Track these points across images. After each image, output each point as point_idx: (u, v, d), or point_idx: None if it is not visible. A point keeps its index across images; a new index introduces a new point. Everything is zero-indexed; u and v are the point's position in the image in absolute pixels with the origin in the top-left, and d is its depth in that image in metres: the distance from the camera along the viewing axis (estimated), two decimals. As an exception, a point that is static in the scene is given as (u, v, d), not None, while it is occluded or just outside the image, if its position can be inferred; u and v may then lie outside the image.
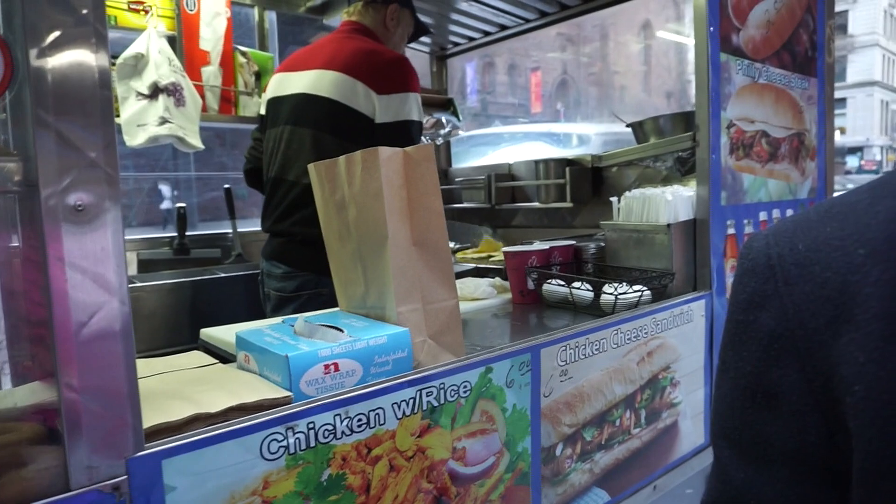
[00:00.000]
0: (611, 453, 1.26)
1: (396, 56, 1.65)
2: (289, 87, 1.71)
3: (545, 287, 1.51)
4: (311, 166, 1.14)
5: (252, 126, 2.02)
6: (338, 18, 2.26)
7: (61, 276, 0.57)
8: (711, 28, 1.47)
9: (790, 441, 0.44)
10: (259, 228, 1.84)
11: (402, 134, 1.62)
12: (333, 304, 1.19)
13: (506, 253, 1.59)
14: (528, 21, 2.50)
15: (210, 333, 1.23)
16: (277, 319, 1.07)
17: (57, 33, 0.57)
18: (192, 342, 1.28)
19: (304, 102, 1.65)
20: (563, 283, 1.48)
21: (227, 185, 2.50)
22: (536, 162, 2.30)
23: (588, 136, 4.73)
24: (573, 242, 1.74)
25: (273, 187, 1.72)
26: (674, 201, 1.51)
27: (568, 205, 2.17)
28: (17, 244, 0.67)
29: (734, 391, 0.48)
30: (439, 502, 0.94)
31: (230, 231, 2.48)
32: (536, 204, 2.34)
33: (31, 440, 0.63)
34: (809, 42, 1.81)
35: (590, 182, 2.19)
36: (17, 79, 0.57)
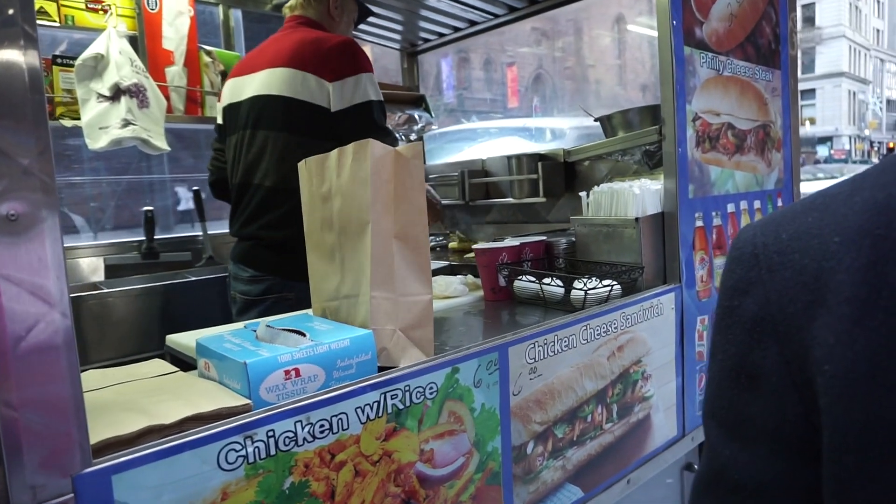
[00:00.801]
0: (583, 449, 1.26)
1: (340, 40, 1.60)
2: (242, 92, 1.68)
3: (516, 283, 1.51)
4: (300, 163, 1.13)
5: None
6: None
7: (-5, 289, 0.55)
8: (674, 22, 1.47)
9: (770, 420, 0.46)
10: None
11: (363, 116, 1.58)
12: (299, 308, 1.17)
13: (476, 250, 1.58)
14: (497, 16, 2.50)
15: (176, 339, 1.20)
16: (240, 325, 1.05)
17: (-18, 35, 0.54)
18: (161, 349, 1.25)
19: (258, 104, 1.63)
20: (533, 279, 1.48)
21: (195, 188, 2.45)
22: (509, 157, 2.29)
23: (562, 130, 4.72)
24: (544, 238, 1.74)
25: (239, 192, 1.70)
26: (641, 195, 1.51)
27: (541, 199, 2.17)
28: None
29: (721, 373, 0.51)
30: (408, 505, 0.93)
31: (201, 234, 2.44)
32: (510, 199, 2.34)
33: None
34: (772, 34, 1.83)
35: (562, 176, 2.18)
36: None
